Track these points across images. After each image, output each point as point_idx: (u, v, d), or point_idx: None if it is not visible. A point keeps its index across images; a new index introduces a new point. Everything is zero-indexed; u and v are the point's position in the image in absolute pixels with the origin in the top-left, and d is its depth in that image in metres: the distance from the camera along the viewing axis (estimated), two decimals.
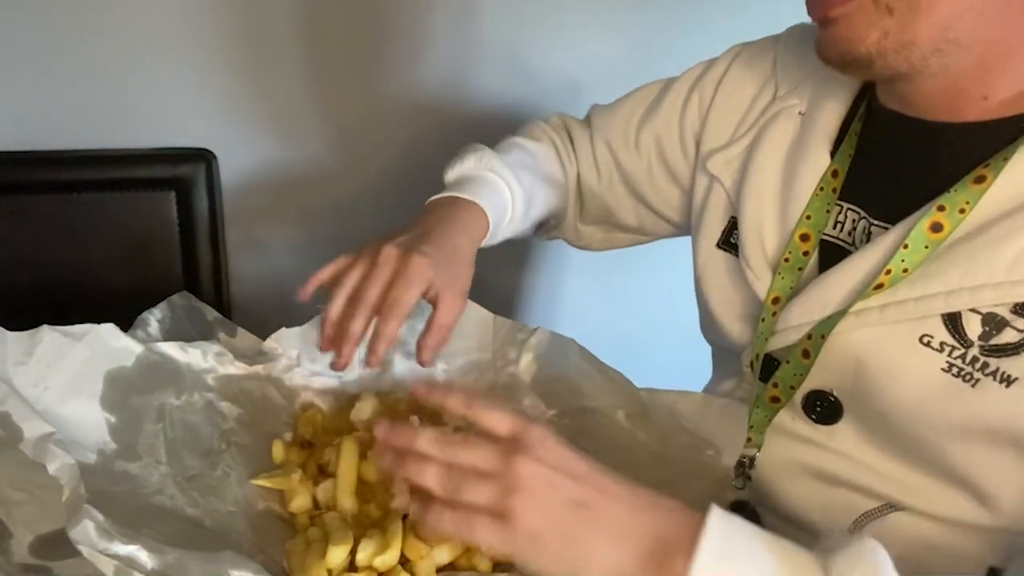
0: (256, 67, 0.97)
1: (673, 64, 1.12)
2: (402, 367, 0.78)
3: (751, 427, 0.64)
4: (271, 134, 1.01)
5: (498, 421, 0.48)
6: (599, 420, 0.70)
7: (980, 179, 0.53)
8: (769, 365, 0.63)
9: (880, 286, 0.54)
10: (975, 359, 0.52)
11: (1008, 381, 0.51)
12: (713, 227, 0.70)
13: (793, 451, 0.63)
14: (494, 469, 0.45)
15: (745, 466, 0.65)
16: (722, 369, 0.77)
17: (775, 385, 0.62)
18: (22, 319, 0.62)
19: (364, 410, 0.69)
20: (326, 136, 1.04)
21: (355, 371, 0.77)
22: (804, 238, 0.62)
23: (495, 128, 1.10)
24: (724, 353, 0.74)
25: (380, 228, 1.11)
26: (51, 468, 0.51)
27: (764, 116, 0.68)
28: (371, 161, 1.07)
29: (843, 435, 0.60)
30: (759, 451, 0.64)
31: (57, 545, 0.54)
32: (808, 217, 0.62)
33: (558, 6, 1.05)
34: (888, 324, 0.55)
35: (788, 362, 0.60)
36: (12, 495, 0.55)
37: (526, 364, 0.76)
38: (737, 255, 0.67)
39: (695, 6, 1.10)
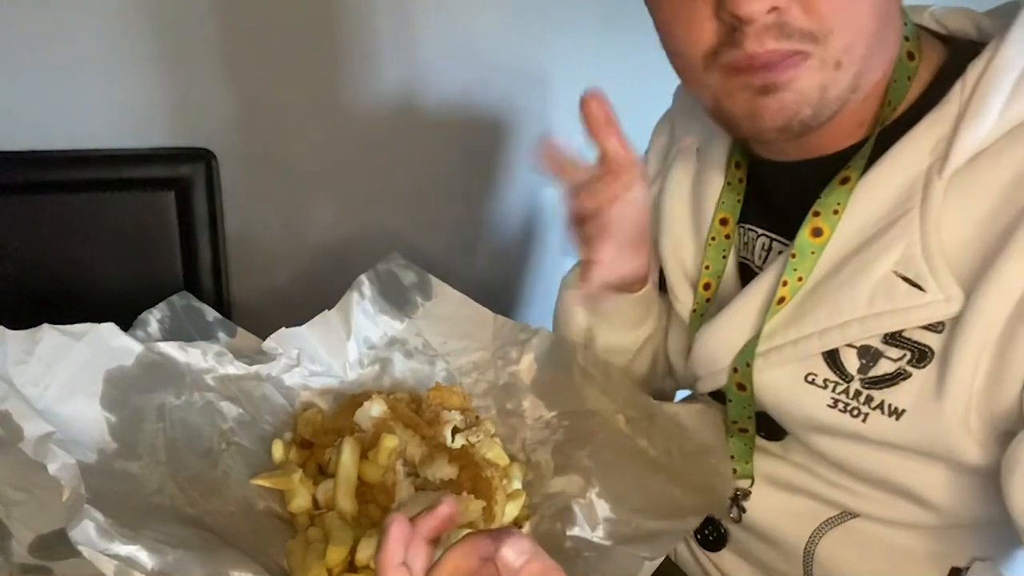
0: (256, 67, 0.97)
1: (637, 55, 1.12)
2: (402, 367, 0.78)
3: (732, 457, 0.65)
4: (271, 134, 1.01)
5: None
6: (599, 423, 0.70)
7: (845, 180, 0.53)
8: (718, 393, 0.64)
9: (782, 300, 0.56)
10: (858, 392, 0.54)
11: (897, 414, 0.52)
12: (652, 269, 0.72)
13: (756, 460, 0.64)
14: None
15: (738, 497, 0.65)
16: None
17: (734, 422, 0.63)
18: (22, 319, 0.62)
19: (373, 409, 0.69)
20: (327, 136, 1.04)
21: (355, 371, 0.77)
22: (707, 287, 0.65)
23: (491, 132, 1.10)
24: None
25: (380, 228, 1.11)
26: (51, 468, 0.51)
27: (667, 161, 0.71)
28: (372, 161, 1.07)
29: (794, 449, 0.61)
30: (752, 483, 0.64)
31: (57, 545, 0.54)
32: (707, 267, 0.64)
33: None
34: (773, 368, 0.57)
35: (731, 400, 0.61)
36: (12, 495, 0.55)
37: (527, 364, 0.77)
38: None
39: None
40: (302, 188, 1.05)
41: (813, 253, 0.54)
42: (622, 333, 0.72)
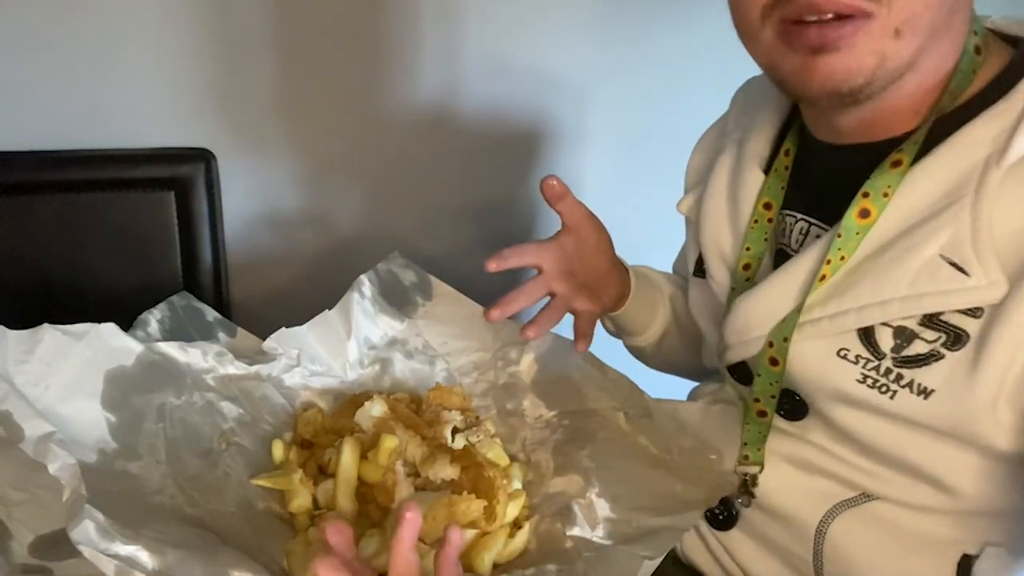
0: (256, 67, 0.97)
1: (672, 66, 1.14)
2: (402, 367, 0.78)
3: (745, 444, 0.65)
4: (271, 134, 1.01)
5: None
6: (599, 423, 0.70)
7: (896, 163, 0.54)
8: (743, 369, 0.65)
9: (824, 277, 0.56)
10: (888, 370, 0.54)
11: (925, 393, 0.53)
12: (691, 259, 0.74)
13: (772, 440, 0.64)
14: None
15: (748, 484, 0.65)
16: (709, 374, 0.79)
17: (756, 400, 0.63)
18: (22, 319, 0.62)
19: (373, 410, 0.69)
20: (327, 137, 1.04)
21: (355, 371, 0.77)
22: (747, 267, 0.66)
23: (491, 133, 1.10)
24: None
25: (381, 228, 1.11)
26: (52, 468, 0.51)
27: (716, 153, 0.71)
28: (372, 162, 1.07)
29: (814, 429, 0.62)
30: (761, 470, 0.65)
31: (57, 545, 0.54)
32: (748, 248, 0.65)
33: (547, 10, 1.05)
34: (806, 341, 0.57)
35: (760, 374, 0.62)
36: (12, 495, 0.55)
37: (527, 364, 0.77)
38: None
39: (690, 6, 1.10)
40: (302, 189, 1.05)
41: (858, 234, 0.55)
42: (635, 337, 0.82)
